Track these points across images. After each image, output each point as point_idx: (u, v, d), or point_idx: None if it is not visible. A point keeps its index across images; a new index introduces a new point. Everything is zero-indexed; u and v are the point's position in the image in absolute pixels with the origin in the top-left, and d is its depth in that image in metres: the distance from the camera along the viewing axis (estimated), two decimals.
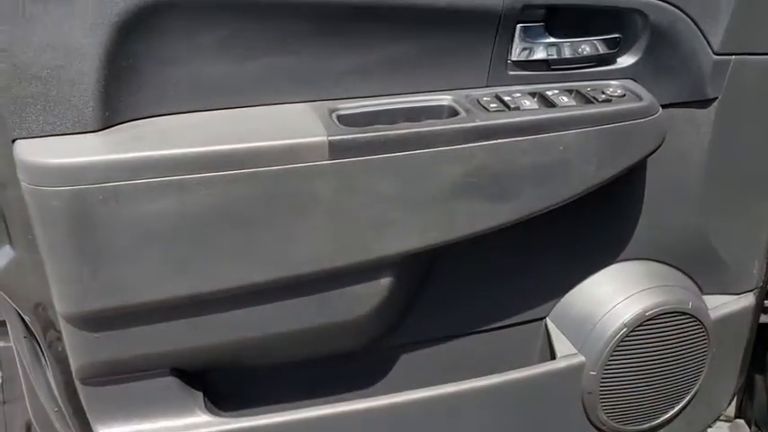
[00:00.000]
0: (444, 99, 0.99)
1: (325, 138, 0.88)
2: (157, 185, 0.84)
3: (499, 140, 0.94)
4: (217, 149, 0.85)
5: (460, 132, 0.93)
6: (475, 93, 1.00)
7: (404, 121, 0.95)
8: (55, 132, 0.84)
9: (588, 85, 1.04)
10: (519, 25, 0.97)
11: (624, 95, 1.02)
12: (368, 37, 0.93)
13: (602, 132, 0.99)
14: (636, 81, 1.06)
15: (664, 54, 1.04)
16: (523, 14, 0.96)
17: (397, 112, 0.97)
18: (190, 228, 0.87)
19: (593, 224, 1.15)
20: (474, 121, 0.93)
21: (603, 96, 1.00)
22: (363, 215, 0.93)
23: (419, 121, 0.95)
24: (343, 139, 0.88)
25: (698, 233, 1.20)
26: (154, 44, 0.85)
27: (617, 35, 1.02)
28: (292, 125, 0.90)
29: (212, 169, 0.85)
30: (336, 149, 0.88)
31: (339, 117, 0.93)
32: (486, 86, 1.01)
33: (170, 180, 0.84)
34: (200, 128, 0.89)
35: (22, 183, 0.83)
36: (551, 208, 1.01)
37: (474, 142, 0.93)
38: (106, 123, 0.86)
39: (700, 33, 1.03)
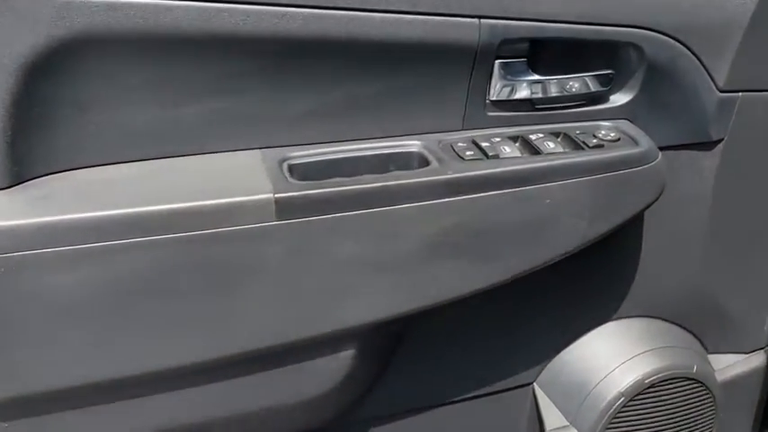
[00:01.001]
0: (414, 145, 0.87)
1: (271, 195, 0.75)
2: (71, 254, 0.71)
3: (476, 195, 0.82)
4: (142, 211, 0.72)
5: (431, 186, 0.80)
6: (449, 137, 0.88)
7: (367, 172, 0.82)
8: None
9: (577, 128, 0.92)
10: (498, 61, 0.86)
11: (618, 139, 0.90)
12: (326, 75, 0.81)
13: (594, 183, 0.87)
14: (631, 121, 0.94)
15: (662, 91, 0.93)
16: (503, 49, 0.85)
17: (359, 160, 0.85)
18: (111, 303, 0.74)
19: (586, 279, 1.03)
20: (446, 173, 0.81)
21: (595, 141, 0.89)
22: (319, 283, 0.80)
23: (385, 171, 0.83)
24: (291, 196, 0.76)
25: (702, 287, 1.08)
26: (68, 87, 0.72)
27: (609, 71, 0.91)
28: (234, 180, 0.77)
29: (137, 234, 0.72)
30: (284, 208, 0.76)
31: (291, 167, 0.81)
32: (462, 130, 0.89)
33: (86, 248, 0.71)
34: (125, 183, 0.76)
35: None
36: (538, 268, 0.89)
37: (447, 197, 0.81)
38: (14, 180, 0.74)
39: (702, 68, 0.92)
